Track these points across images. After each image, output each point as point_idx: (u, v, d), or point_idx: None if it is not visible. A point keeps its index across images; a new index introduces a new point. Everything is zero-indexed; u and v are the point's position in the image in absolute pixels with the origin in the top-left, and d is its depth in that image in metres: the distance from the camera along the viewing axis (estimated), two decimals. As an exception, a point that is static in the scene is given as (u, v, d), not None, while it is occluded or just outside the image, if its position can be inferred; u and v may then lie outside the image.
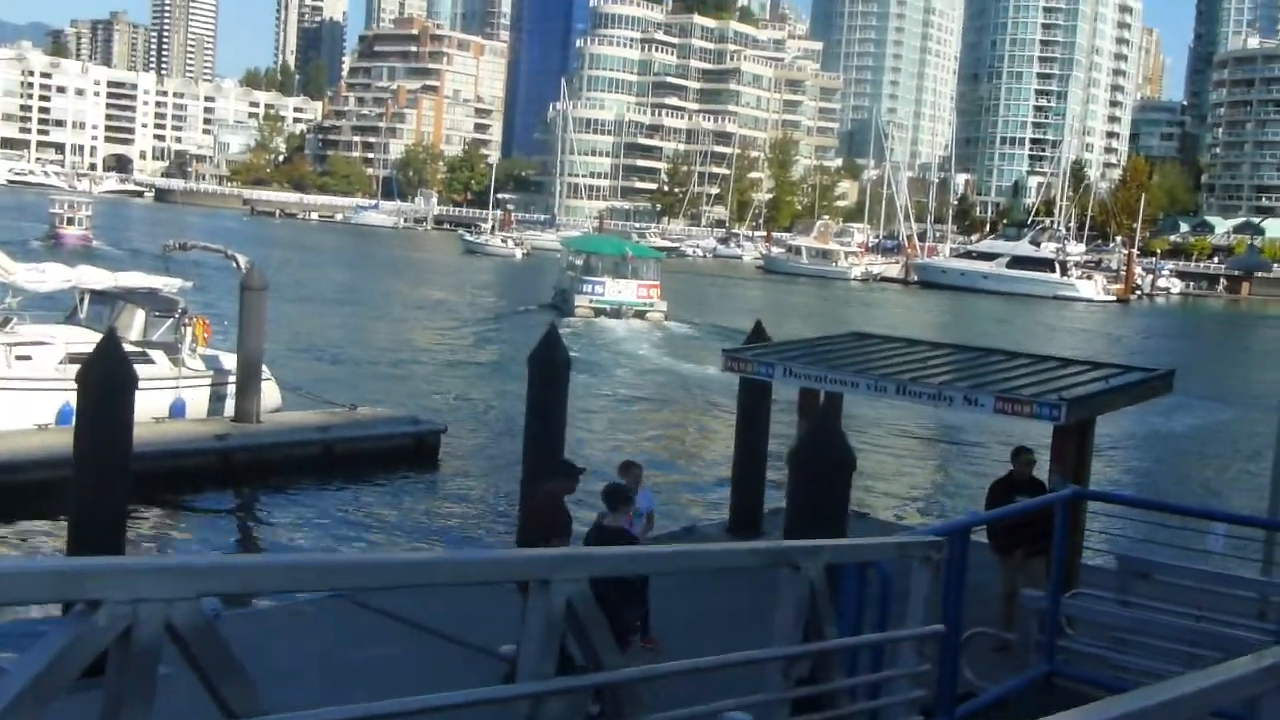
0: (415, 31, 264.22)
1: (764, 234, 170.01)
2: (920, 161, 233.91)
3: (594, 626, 4.83)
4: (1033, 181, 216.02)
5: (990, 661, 10.28)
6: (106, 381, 13.13)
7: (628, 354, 48.87)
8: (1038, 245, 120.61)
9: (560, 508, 10.17)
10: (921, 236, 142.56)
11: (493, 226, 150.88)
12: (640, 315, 60.43)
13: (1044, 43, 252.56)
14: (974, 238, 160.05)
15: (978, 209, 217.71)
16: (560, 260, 72.96)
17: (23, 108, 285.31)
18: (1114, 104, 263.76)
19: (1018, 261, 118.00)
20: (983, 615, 10.65)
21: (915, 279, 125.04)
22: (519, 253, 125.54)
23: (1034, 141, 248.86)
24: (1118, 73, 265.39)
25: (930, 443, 33.44)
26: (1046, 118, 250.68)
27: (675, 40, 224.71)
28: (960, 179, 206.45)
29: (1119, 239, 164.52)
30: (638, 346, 51.17)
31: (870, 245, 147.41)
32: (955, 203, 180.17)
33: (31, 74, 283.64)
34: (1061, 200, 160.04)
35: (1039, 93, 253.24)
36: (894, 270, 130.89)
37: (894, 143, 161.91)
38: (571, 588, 4.57)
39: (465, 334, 54.86)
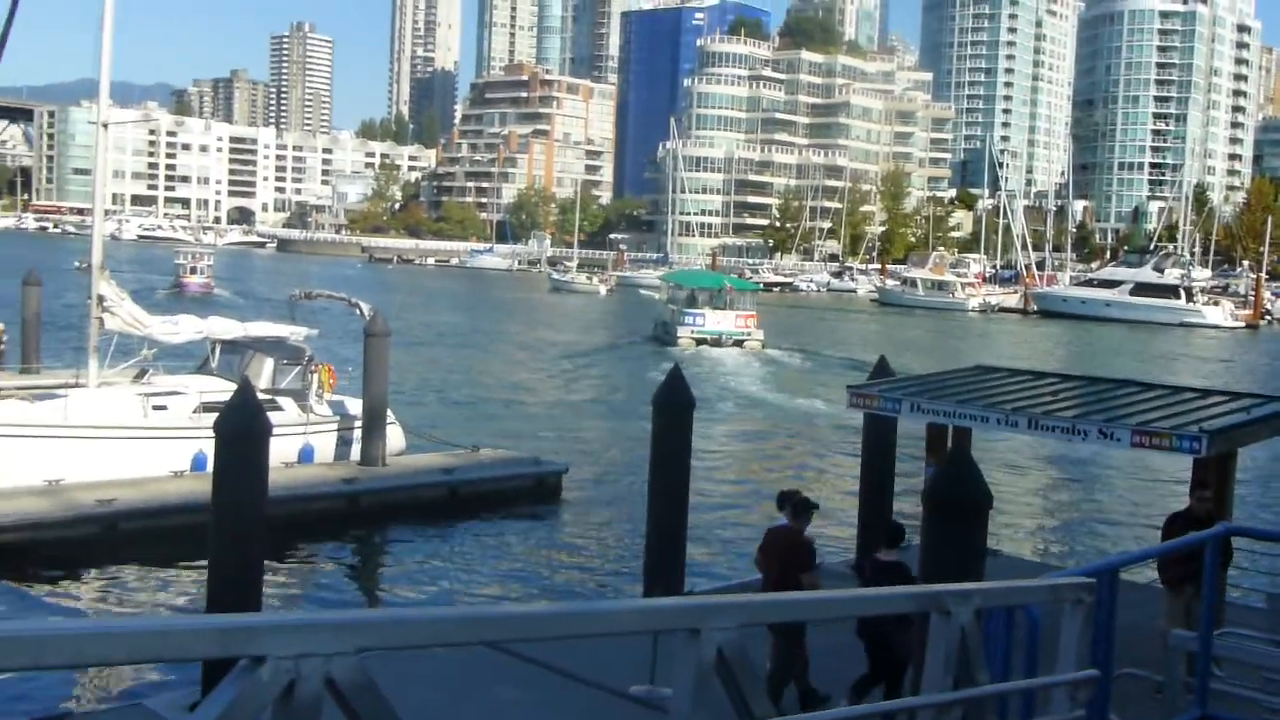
0: (525, 77, 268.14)
1: (878, 267, 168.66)
2: (1036, 189, 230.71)
3: (744, 675, 4.75)
4: (1153, 207, 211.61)
5: (1137, 704, 9.94)
6: (242, 430, 13.41)
7: (734, 388, 48.64)
8: (1161, 271, 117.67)
9: (801, 542, 10.72)
10: (1040, 265, 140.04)
11: (578, 265, 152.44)
12: (739, 344, 63.36)
13: (1160, 65, 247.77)
14: (1094, 265, 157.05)
15: (1097, 236, 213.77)
16: (660, 294, 75.84)
17: (150, 165, 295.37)
18: (1235, 125, 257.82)
19: (1141, 289, 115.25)
20: (1127, 656, 10.32)
21: (1034, 309, 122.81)
22: (603, 289, 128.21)
23: (1153, 166, 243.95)
24: (1238, 93, 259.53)
25: (1048, 475, 32.71)
26: (1165, 141, 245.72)
27: (783, 76, 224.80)
28: (1078, 206, 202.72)
29: (1245, 263, 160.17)
30: (744, 382, 50.90)
31: (987, 275, 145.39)
32: (1073, 230, 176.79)
33: (157, 133, 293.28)
34: (1184, 225, 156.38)
35: (1157, 116, 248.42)
36: (1012, 300, 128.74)
37: (1008, 171, 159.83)
38: (722, 635, 4.50)
39: (575, 369, 55.57)
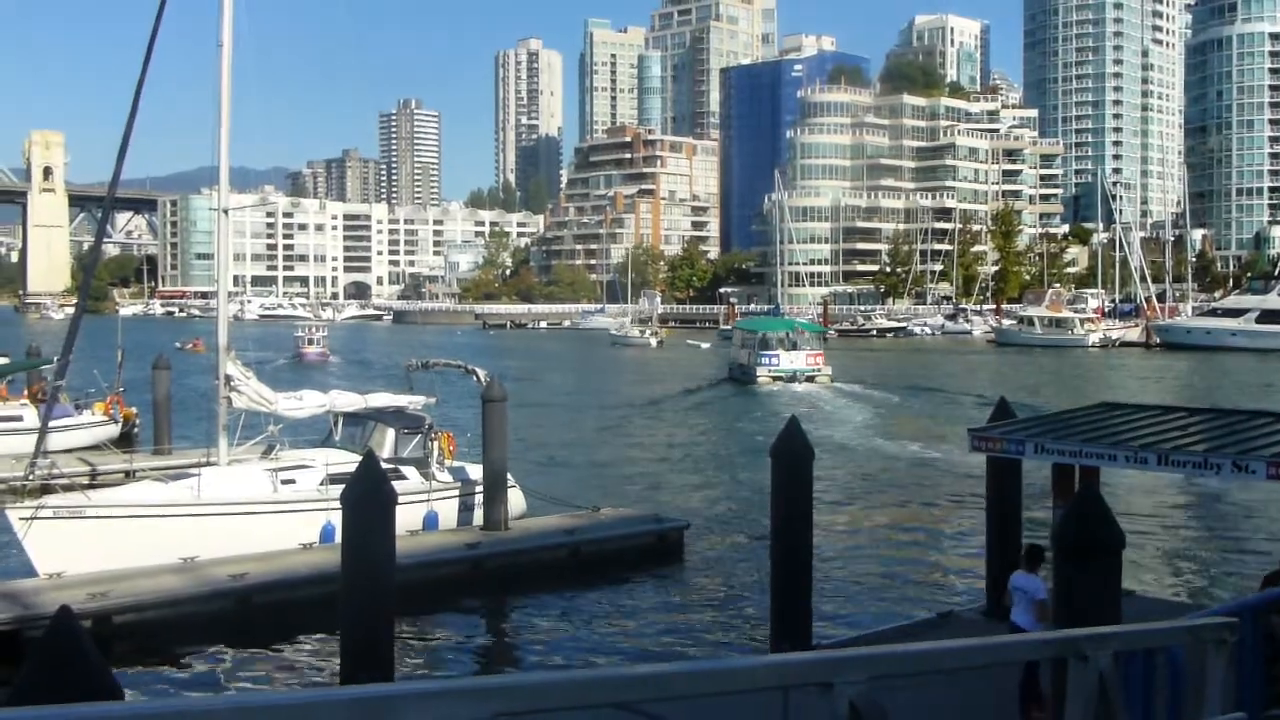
0: (628, 139, 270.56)
1: (993, 307, 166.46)
2: (1152, 220, 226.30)
3: (878, 728, 4.69)
4: (1275, 231, 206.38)
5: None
6: (368, 500, 13.64)
7: (828, 436, 47.95)
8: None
9: None
10: (1160, 297, 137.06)
11: (630, 320, 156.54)
12: (810, 379, 70.93)
13: (1273, 88, 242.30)
14: (1217, 294, 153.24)
15: (1218, 264, 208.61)
16: (734, 340, 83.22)
17: (269, 246, 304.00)
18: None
19: (1268, 315, 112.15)
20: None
21: (1157, 342, 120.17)
22: (653, 341, 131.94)
23: (1273, 190, 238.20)
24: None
25: (1180, 512, 31.76)
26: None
27: (886, 121, 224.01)
28: (1196, 235, 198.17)
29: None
30: (840, 429, 50.18)
31: (1106, 310, 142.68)
32: (1193, 260, 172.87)
33: (275, 215, 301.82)
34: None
35: (1273, 139, 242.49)
36: (1133, 334, 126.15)
37: (1122, 203, 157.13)
38: (854, 689, 4.46)
39: (668, 417, 56.93)
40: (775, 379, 70.44)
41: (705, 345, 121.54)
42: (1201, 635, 6.13)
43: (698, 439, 48.61)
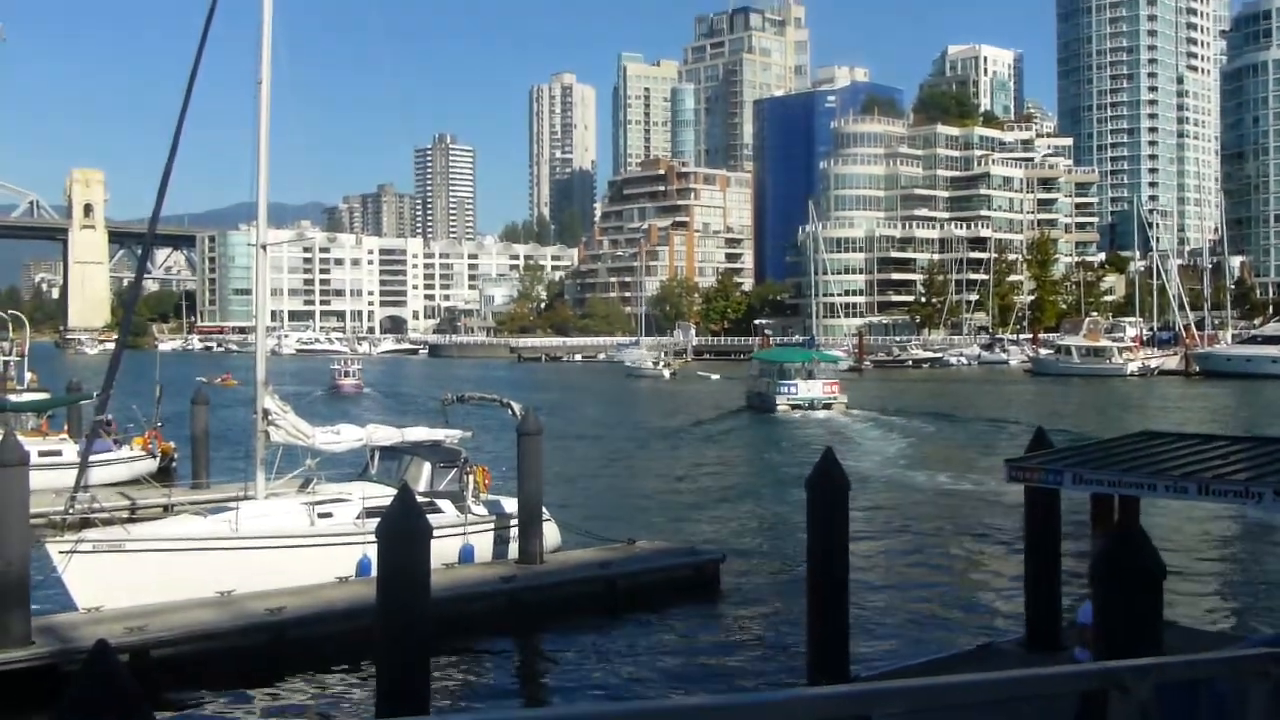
0: (662, 171, 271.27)
1: (1030, 336, 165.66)
2: (1189, 248, 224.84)
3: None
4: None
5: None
6: (404, 534, 13.67)
7: (856, 467, 47.58)
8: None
9: None
10: (1199, 325, 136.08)
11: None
12: (827, 407, 74.49)
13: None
14: (1257, 321, 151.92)
15: (1257, 291, 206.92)
16: (752, 370, 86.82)
17: (306, 281, 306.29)
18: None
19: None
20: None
21: (1196, 370, 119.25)
22: (666, 373, 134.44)
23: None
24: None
25: (1221, 541, 31.37)
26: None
27: (920, 151, 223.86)
28: (1235, 261, 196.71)
29: None
30: (868, 459, 49.68)
31: (1145, 339, 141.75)
32: (1232, 287, 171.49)
33: (311, 250, 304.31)
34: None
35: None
36: (1172, 362, 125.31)
37: (1159, 231, 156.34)
38: (891, 722, 4.41)
39: (696, 446, 57.40)
40: (794, 407, 73.87)
41: (715, 377, 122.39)
42: (1243, 667, 6.04)
43: (725, 468, 48.68)
